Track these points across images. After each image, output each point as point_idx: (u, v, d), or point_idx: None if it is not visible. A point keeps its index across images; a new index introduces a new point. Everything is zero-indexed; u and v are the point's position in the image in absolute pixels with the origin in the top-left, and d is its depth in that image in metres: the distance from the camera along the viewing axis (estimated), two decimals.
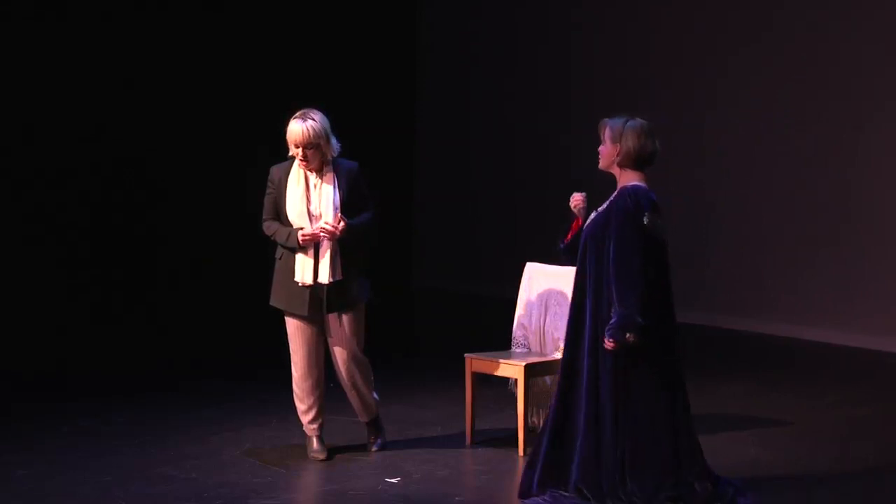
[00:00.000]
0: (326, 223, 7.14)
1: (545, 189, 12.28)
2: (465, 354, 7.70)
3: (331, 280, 7.15)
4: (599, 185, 6.75)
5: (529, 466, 6.48)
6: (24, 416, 8.26)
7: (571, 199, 6.67)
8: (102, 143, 11.90)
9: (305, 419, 7.40)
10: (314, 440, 7.38)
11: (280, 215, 7.26)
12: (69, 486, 6.82)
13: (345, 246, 7.19)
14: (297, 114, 7.19)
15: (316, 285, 7.17)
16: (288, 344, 7.37)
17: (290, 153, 7.21)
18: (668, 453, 6.24)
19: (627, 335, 6.11)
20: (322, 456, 7.33)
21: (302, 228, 7.13)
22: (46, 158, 11.59)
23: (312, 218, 7.18)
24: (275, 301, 7.34)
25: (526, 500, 6.38)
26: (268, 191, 7.31)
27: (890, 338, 10.48)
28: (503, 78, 13.23)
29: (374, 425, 7.54)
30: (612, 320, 6.14)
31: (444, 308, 13.03)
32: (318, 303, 7.23)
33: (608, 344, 6.14)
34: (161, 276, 12.23)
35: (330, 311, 7.24)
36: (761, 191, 11.35)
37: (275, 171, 7.31)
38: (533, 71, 12.97)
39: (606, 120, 6.44)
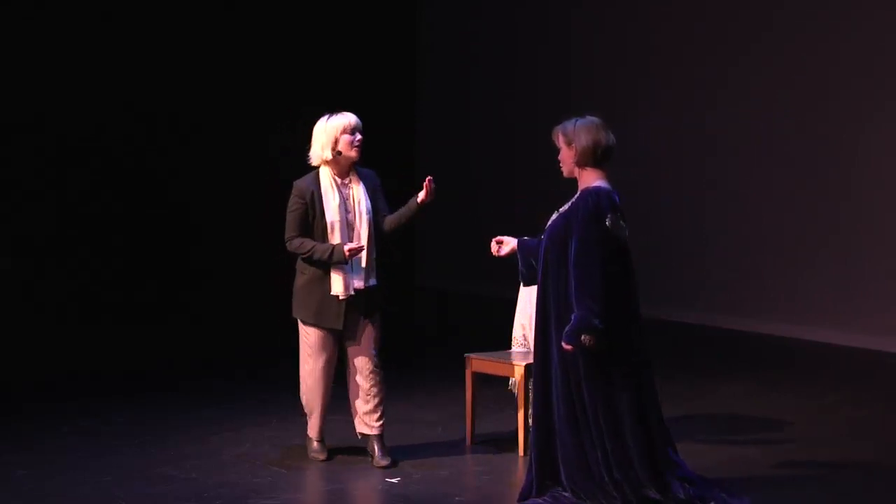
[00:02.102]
0: (430, 179, 7.16)
1: (545, 189, 12.24)
2: (465, 354, 7.71)
3: (372, 284, 7.14)
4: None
5: (528, 470, 6.48)
6: (24, 416, 8.26)
7: (493, 249, 6.66)
8: (101, 143, 11.89)
9: (313, 422, 7.35)
10: (314, 441, 7.37)
11: (311, 230, 7.08)
12: (69, 486, 6.83)
13: (383, 242, 7.19)
14: (326, 116, 7.08)
15: (357, 291, 7.10)
16: (298, 352, 7.27)
17: (330, 154, 7.02)
18: (643, 453, 6.21)
19: (583, 337, 6.07)
20: (322, 456, 7.32)
21: (343, 243, 6.99)
22: (47, 158, 11.58)
23: (350, 227, 7.10)
24: (303, 315, 7.18)
25: (526, 502, 6.37)
26: (294, 206, 7.07)
27: (890, 338, 10.47)
28: (503, 78, 13.21)
29: (382, 438, 7.31)
30: (570, 323, 6.10)
31: (444, 308, 13.03)
32: (350, 311, 7.16)
33: (565, 347, 6.12)
34: (161, 276, 12.22)
35: (368, 315, 7.19)
36: (761, 191, 11.34)
37: (302, 185, 7.08)
38: (533, 71, 12.95)
39: (557, 127, 6.44)
